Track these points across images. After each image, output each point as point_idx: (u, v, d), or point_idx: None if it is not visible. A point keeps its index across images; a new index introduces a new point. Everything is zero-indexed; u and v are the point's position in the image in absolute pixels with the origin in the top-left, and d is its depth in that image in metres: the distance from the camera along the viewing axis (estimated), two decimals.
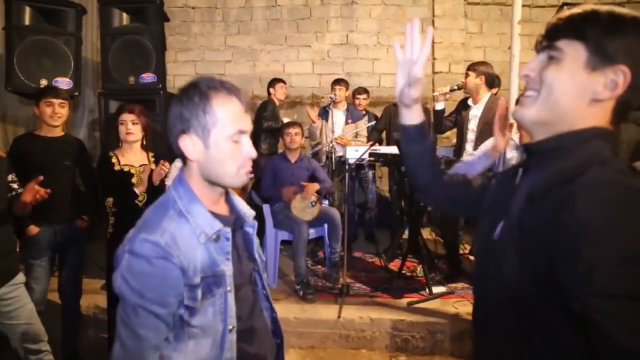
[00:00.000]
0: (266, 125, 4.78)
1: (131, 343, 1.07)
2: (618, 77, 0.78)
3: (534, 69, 0.85)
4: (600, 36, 0.78)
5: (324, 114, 4.88)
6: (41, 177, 2.23)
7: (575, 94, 0.80)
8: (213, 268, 1.12)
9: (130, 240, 1.07)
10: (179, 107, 1.12)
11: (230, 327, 1.15)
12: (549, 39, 0.84)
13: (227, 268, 1.15)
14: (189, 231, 1.10)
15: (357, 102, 5.08)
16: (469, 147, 3.68)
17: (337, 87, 4.86)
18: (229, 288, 1.15)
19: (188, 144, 1.12)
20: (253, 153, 1.16)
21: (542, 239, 0.75)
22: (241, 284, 1.22)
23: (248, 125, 1.16)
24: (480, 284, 0.98)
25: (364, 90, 5.12)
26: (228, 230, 1.17)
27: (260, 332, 1.28)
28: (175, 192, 1.16)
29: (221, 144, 1.11)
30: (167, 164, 2.68)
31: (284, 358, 1.41)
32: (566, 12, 0.83)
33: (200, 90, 1.12)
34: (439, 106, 3.90)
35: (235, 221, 1.25)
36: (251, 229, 1.32)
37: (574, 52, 0.80)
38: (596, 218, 0.68)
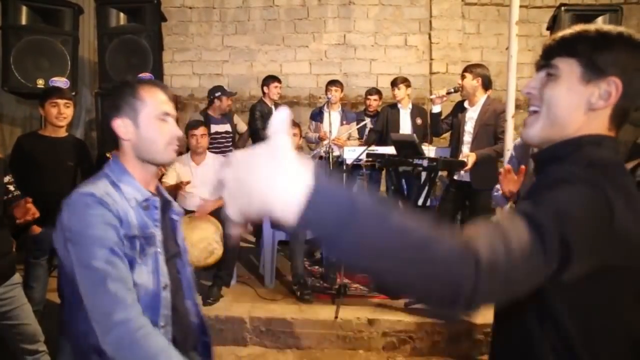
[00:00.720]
0: (260, 133, 4.71)
1: (89, 281, 1.11)
2: (611, 88, 0.85)
3: (536, 87, 0.92)
4: (591, 52, 0.86)
5: (319, 114, 4.86)
6: (30, 199, 2.20)
7: (573, 105, 0.87)
8: (144, 230, 1.24)
9: (65, 203, 1.18)
10: (112, 100, 1.31)
11: (164, 284, 1.25)
12: (546, 59, 0.92)
13: (157, 232, 1.28)
14: (120, 197, 1.23)
15: (367, 102, 5.06)
16: (465, 149, 3.69)
17: (333, 88, 4.80)
18: (159, 249, 1.27)
19: (120, 125, 1.28)
20: (179, 132, 1.32)
21: None
22: (167, 260, 1.31)
23: (172, 111, 1.32)
24: None
25: (375, 92, 5.07)
26: (157, 199, 1.31)
27: (180, 315, 1.35)
28: (107, 168, 1.30)
29: (150, 122, 1.27)
30: None
31: (212, 357, 1.46)
32: (559, 33, 0.92)
33: (129, 83, 1.30)
34: (436, 109, 3.91)
35: (164, 203, 1.37)
36: (177, 216, 1.43)
37: (569, 68, 0.88)
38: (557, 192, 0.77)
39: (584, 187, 0.77)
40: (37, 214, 2.20)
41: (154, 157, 1.30)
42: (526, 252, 0.68)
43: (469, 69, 3.68)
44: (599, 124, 0.88)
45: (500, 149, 3.34)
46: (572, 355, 0.81)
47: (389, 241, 0.60)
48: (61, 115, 2.82)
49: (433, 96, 3.84)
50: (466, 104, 3.76)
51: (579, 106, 0.87)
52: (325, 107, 4.67)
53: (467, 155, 3.52)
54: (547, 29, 4.24)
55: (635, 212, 0.78)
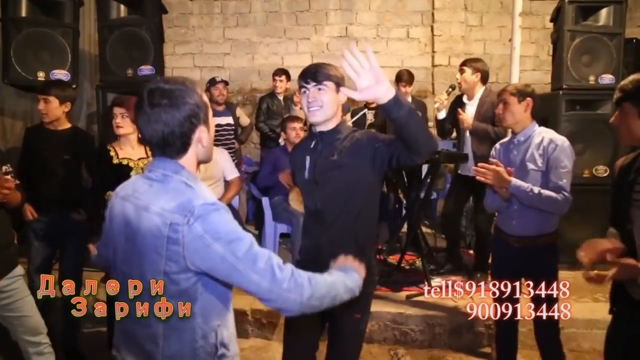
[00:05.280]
0: (261, 127, 4.86)
1: (245, 270, 1.18)
2: (345, 93, 1.76)
3: (316, 97, 1.79)
4: (337, 79, 1.81)
5: None
6: (9, 178, 2.17)
7: (334, 104, 1.82)
8: None
9: (191, 213, 1.18)
10: (182, 110, 1.22)
11: None
12: (317, 82, 1.78)
13: None
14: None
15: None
16: (467, 143, 3.67)
17: None
18: None
19: (202, 134, 1.27)
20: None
21: (364, 151, 1.80)
22: None
23: None
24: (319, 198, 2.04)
25: None
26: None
27: None
28: (181, 176, 1.25)
29: (211, 126, 1.33)
30: None
31: None
32: (322, 70, 1.81)
33: (189, 88, 1.24)
34: (441, 115, 3.78)
35: None
36: None
37: (331, 86, 1.80)
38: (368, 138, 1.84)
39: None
40: (7, 194, 2.14)
41: (207, 158, 1.34)
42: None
43: (468, 63, 3.63)
44: (341, 111, 1.88)
45: (499, 131, 3.35)
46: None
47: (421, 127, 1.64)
48: (41, 111, 2.82)
49: (437, 104, 3.76)
50: (464, 99, 3.72)
51: (336, 104, 1.83)
52: None
53: (464, 119, 3.52)
54: (551, 20, 4.18)
55: None
